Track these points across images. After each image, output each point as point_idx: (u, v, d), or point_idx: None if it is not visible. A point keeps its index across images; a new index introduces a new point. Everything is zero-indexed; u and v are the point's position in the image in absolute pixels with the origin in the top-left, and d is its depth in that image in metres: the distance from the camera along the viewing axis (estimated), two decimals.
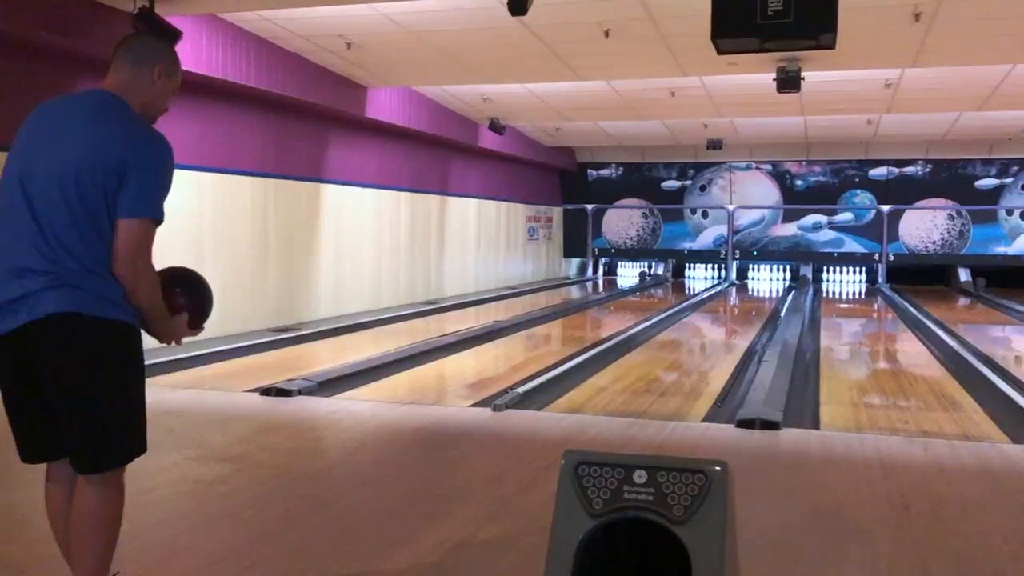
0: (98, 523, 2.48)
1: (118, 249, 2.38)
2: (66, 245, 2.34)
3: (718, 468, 2.10)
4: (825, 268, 19.82)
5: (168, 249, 8.75)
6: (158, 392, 6.50)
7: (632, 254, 21.03)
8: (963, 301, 16.57)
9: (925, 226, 19.09)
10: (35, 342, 2.36)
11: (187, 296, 2.69)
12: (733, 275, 20.10)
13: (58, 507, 2.56)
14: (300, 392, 6.37)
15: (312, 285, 11.13)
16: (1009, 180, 18.59)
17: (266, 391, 6.39)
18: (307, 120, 11.01)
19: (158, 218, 2.45)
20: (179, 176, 8.76)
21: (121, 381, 2.50)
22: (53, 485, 2.57)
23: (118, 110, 2.49)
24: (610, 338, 9.82)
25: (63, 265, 2.34)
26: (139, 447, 2.58)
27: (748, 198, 20.17)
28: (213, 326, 8.66)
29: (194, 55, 8.18)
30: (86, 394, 2.41)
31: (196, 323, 2.71)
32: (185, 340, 2.70)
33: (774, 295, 17.49)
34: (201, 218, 9.21)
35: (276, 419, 5.69)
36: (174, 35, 7.29)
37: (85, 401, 2.41)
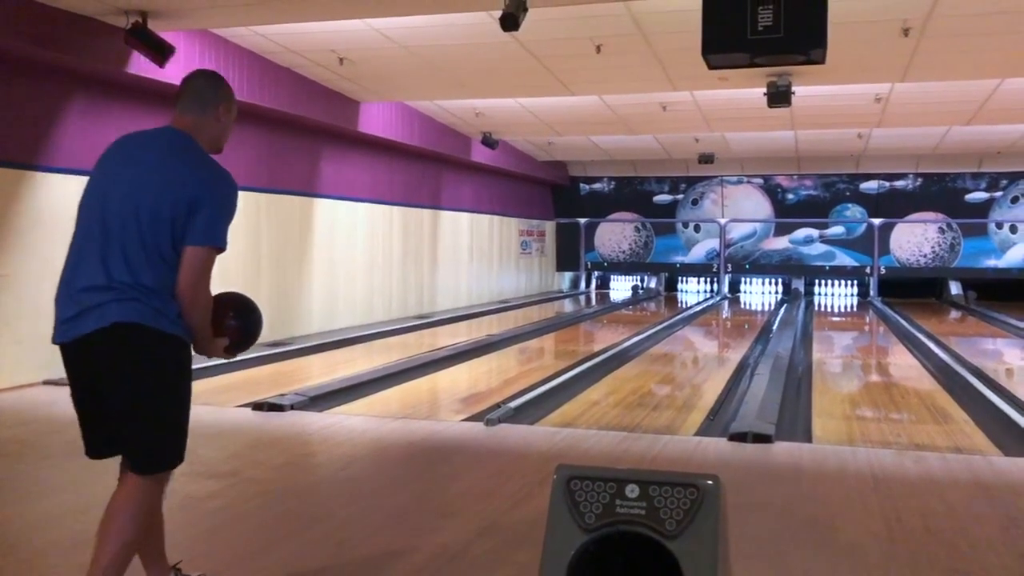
0: (132, 517, 2.72)
1: (182, 272, 2.67)
2: (133, 266, 2.62)
3: (710, 482, 2.10)
4: (817, 281, 19.88)
5: None
6: None
7: (625, 268, 21.07)
8: (954, 314, 16.63)
9: (916, 239, 19.17)
10: (99, 348, 2.63)
11: (237, 321, 2.93)
12: (725, 288, 20.14)
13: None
14: (292, 407, 6.35)
15: (304, 299, 11.12)
16: (999, 194, 18.70)
17: (258, 406, 6.37)
18: (300, 135, 11.02)
19: (221, 247, 2.76)
20: None
21: (172, 390, 2.76)
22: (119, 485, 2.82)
23: (190, 150, 2.82)
24: (603, 352, 9.82)
25: (129, 283, 2.62)
26: (182, 454, 2.82)
27: (740, 212, 20.24)
28: None
29: (187, 70, 8.14)
30: (141, 398, 2.67)
31: (233, 350, 2.94)
32: (219, 360, 2.95)
33: (766, 308, 17.53)
34: None
35: (268, 434, 5.68)
36: (167, 51, 7.31)
37: (140, 404, 2.67)
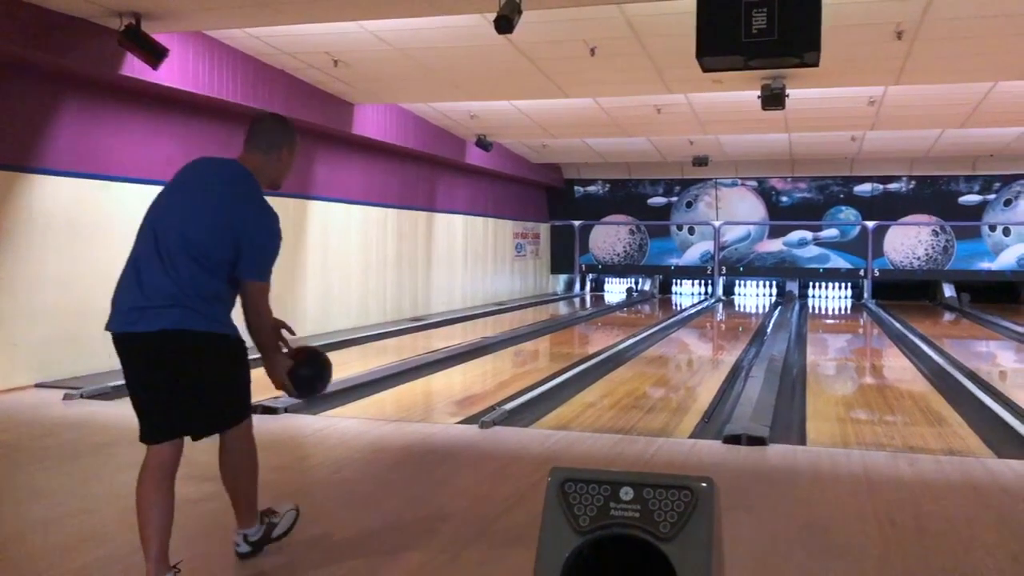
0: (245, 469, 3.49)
1: (247, 302, 3.21)
2: (187, 278, 3.03)
3: (704, 484, 2.10)
4: (811, 284, 19.92)
5: None
6: None
7: (619, 270, 21.08)
8: (948, 316, 16.67)
9: (910, 242, 19.22)
10: (156, 346, 3.03)
11: (307, 369, 3.47)
12: (720, 291, 20.17)
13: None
14: (286, 409, 6.34)
15: (299, 302, 11.10)
16: (992, 196, 18.76)
17: (252, 408, 6.35)
18: None
19: (267, 280, 3.24)
20: None
21: (223, 376, 3.22)
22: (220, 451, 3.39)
23: (251, 187, 3.23)
24: (597, 354, 9.82)
25: (189, 294, 3.04)
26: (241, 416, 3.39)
27: (734, 214, 20.27)
28: None
29: (180, 73, 8.18)
30: (198, 385, 3.13)
31: (291, 389, 3.43)
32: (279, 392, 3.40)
33: (760, 311, 17.55)
34: None
35: (262, 437, 5.62)
36: (160, 53, 7.30)
37: (197, 390, 3.13)
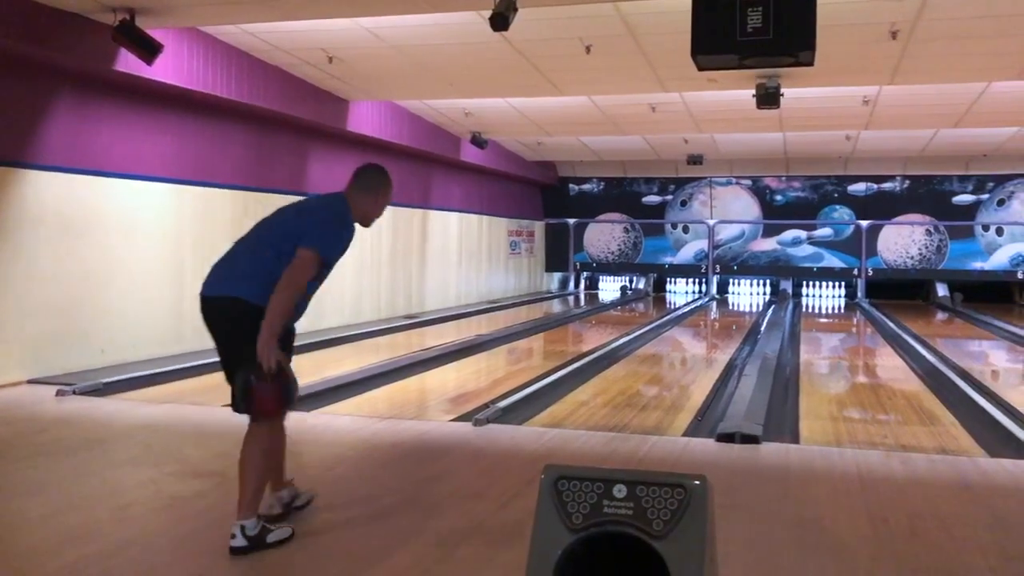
0: (251, 455, 3.64)
1: (291, 263, 3.56)
2: (254, 263, 3.64)
3: (698, 482, 2.10)
4: (805, 283, 19.95)
5: (148, 261, 8.74)
6: (135, 407, 6.45)
7: (613, 268, 21.09)
8: (941, 316, 16.72)
9: (903, 241, 19.26)
10: (213, 310, 3.64)
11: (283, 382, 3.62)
12: (714, 289, 20.19)
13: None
14: None
15: None
16: (985, 196, 18.80)
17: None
18: (288, 133, 10.99)
19: (322, 254, 3.61)
20: (159, 189, 8.77)
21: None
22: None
23: (332, 206, 3.83)
24: (591, 352, 9.83)
25: (249, 272, 3.62)
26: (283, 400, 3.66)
27: (728, 213, 20.29)
28: (191, 340, 8.69)
29: (175, 68, 8.16)
30: (239, 356, 3.53)
31: (263, 378, 3.52)
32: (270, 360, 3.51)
33: (754, 309, 17.58)
34: (181, 231, 9.17)
35: None
36: (155, 49, 7.27)
37: (239, 362, 3.52)
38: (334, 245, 3.68)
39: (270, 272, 3.54)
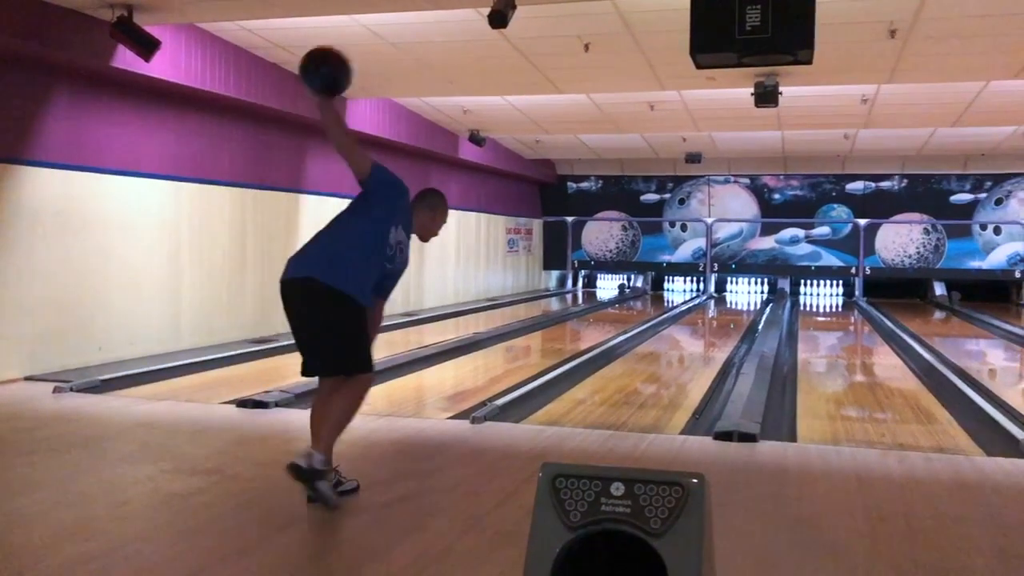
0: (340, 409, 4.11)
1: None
2: (334, 250, 4.16)
3: (695, 480, 2.10)
4: (802, 281, 19.96)
5: (146, 257, 8.73)
6: (133, 404, 6.45)
7: (611, 266, 21.09)
8: (938, 315, 16.73)
9: (901, 240, 19.27)
10: (297, 291, 4.10)
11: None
12: (712, 288, 20.20)
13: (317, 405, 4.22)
14: (277, 404, 6.33)
15: None
16: (983, 195, 18.82)
17: (243, 403, 6.34)
18: (286, 131, 10.98)
19: (374, 173, 4.23)
20: (158, 186, 8.75)
21: (343, 326, 4.04)
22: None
23: (390, 187, 4.33)
24: (589, 350, 9.83)
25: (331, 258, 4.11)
26: (363, 366, 4.13)
27: (726, 211, 20.30)
28: (189, 337, 8.66)
29: (172, 65, 8.15)
30: (327, 331, 4.05)
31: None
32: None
33: (752, 308, 17.58)
34: (179, 228, 9.16)
35: (252, 431, 5.66)
36: (152, 45, 7.26)
37: (326, 336, 4.05)
38: (388, 180, 4.25)
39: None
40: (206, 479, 4.51)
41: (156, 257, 8.86)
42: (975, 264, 18.83)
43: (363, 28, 8.15)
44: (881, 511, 4.12)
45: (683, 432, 5.96)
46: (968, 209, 18.90)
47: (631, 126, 14.24)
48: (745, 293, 20.23)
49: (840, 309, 18.10)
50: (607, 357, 9.56)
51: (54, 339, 7.70)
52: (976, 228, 18.87)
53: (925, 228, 19.12)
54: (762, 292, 20.05)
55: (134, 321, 8.54)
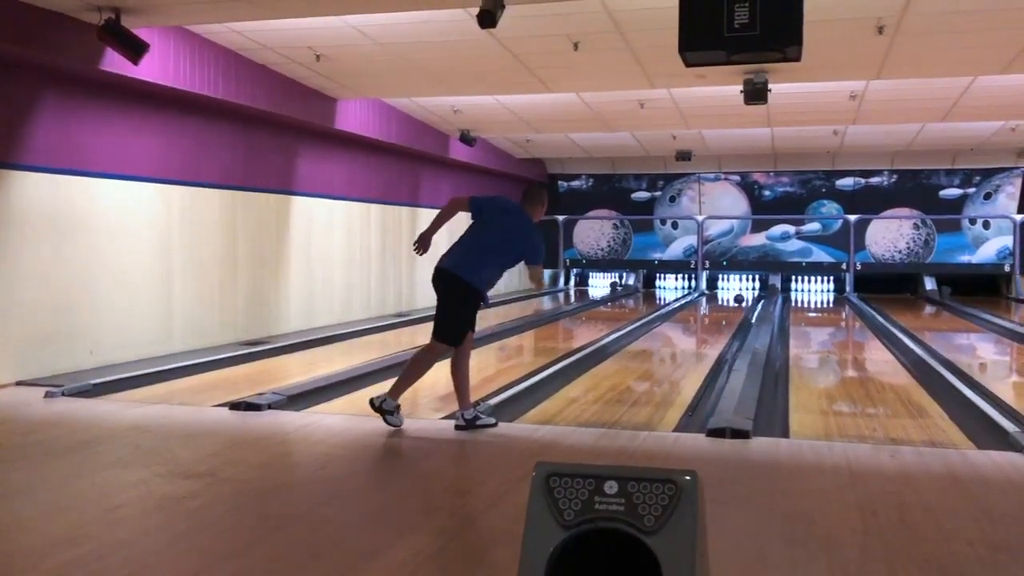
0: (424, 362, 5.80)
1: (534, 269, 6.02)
2: (488, 260, 5.72)
3: (688, 477, 2.11)
4: (793, 277, 20.01)
5: (137, 260, 8.70)
6: (125, 408, 6.43)
7: (603, 265, 21.11)
8: (929, 309, 16.80)
9: (891, 235, 19.34)
10: (442, 276, 5.66)
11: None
12: (703, 285, 20.24)
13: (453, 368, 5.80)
14: (270, 406, 6.32)
15: (282, 298, 11.06)
16: (972, 190, 18.90)
17: (235, 405, 6.33)
18: (276, 132, 10.96)
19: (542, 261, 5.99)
20: (147, 189, 8.74)
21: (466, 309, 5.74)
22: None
23: (533, 227, 5.88)
24: (581, 348, 9.84)
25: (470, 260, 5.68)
26: (458, 339, 5.75)
27: (717, 209, 20.33)
28: (181, 340, 8.66)
29: (161, 67, 8.12)
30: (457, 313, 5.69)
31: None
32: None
33: (743, 305, 17.61)
34: (169, 231, 9.13)
35: (245, 434, 5.65)
36: (141, 48, 7.23)
37: (457, 315, 5.69)
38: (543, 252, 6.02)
39: (491, 271, 5.73)
40: (199, 482, 4.50)
41: (146, 260, 8.83)
42: (965, 259, 18.91)
43: (352, 29, 8.14)
44: (873, 505, 4.14)
45: (676, 429, 5.98)
46: (957, 204, 18.98)
47: (621, 124, 14.25)
48: (736, 290, 20.26)
49: (831, 305, 18.16)
50: (600, 355, 9.57)
51: (45, 343, 7.67)
52: (965, 223, 18.95)
53: (915, 223, 19.19)
54: (753, 289, 20.09)
55: (125, 324, 8.51)
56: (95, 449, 5.20)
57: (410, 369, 5.71)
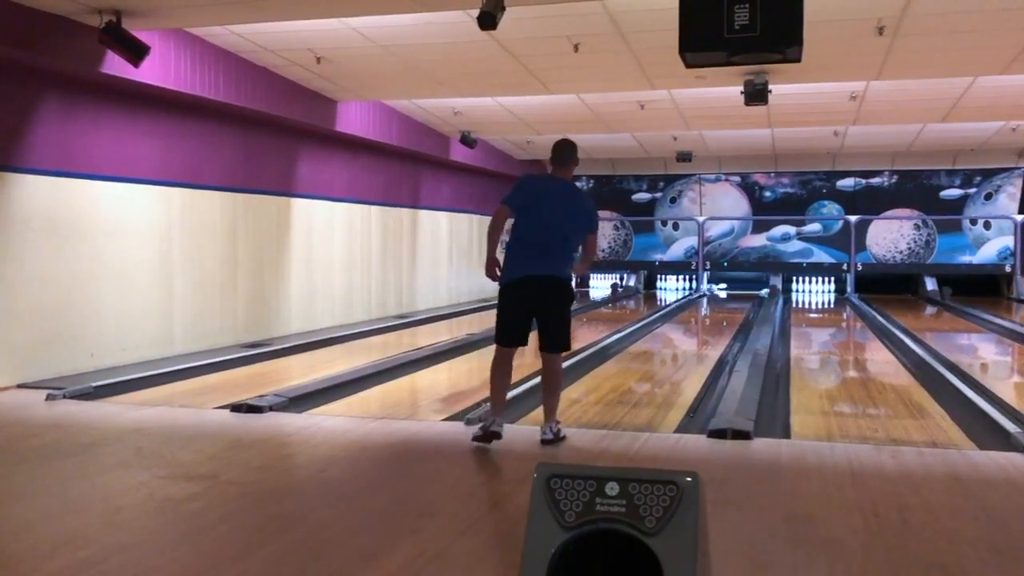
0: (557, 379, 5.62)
1: (587, 246, 5.66)
2: (562, 247, 5.46)
3: (689, 479, 2.11)
4: (794, 278, 20.01)
5: (137, 263, 8.71)
6: (127, 410, 6.44)
7: (604, 266, 21.10)
8: (930, 310, 16.79)
9: (892, 236, 19.33)
10: (540, 285, 5.39)
11: None
12: (704, 286, 20.23)
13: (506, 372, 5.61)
14: (271, 408, 6.32)
15: (283, 300, 11.06)
16: (973, 190, 18.89)
17: (236, 408, 6.33)
18: (277, 134, 10.96)
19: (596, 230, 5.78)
20: (148, 191, 8.76)
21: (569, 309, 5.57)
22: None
23: (576, 190, 5.66)
24: (582, 350, 9.82)
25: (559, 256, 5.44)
26: (569, 345, 5.74)
27: (718, 209, 20.33)
28: (182, 342, 8.69)
29: (162, 70, 8.13)
30: (560, 314, 5.48)
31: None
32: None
33: (745, 305, 17.60)
34: (170, 233, 9.14)
35: (247, 436, 5.65)
36: (141, 51, 7.24)
37: (560, 317, 5.48)
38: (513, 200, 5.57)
39: (571, 261, 5.55)
40: (201, 484, 4.50)
41: (147, 262, 8.83)
42: (966, 259, 18.90)
43: (352, 31, 8.15)
44: (875, 506, 4.14)
45: (677, 430, 5.98)
46: (958, 204, 18.97)
47: (621, 125, 14.25)
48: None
49: (832, 305, 18.15)
50: (601, 356, 9.57)
51: (46, 346, 7.67)
52: (966, 223, 18.94)
53: (915, 224, 19.18)
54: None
55: (126, 327, 8.52)
56: (96, 452, 5.20)
57: (548, 390, 5.55)
